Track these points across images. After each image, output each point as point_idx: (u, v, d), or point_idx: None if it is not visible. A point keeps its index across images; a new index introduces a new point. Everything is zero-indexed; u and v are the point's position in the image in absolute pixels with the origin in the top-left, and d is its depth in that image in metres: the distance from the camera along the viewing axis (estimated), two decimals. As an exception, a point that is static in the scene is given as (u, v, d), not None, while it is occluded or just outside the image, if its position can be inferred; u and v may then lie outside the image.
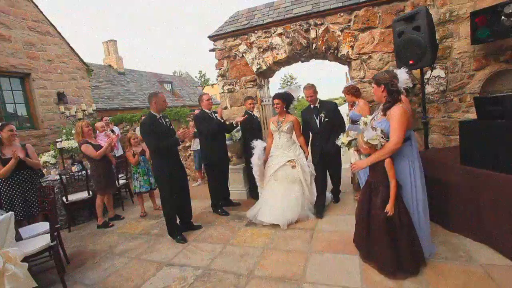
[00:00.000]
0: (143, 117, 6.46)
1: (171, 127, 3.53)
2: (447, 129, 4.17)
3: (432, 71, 4.06)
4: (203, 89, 26.38)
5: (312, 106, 3.84)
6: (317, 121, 3.73)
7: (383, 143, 2.24)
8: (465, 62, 4.01)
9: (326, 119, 3.66)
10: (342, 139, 2.64)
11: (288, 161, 3.76)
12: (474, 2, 3.88)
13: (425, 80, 3.87)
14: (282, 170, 3.74)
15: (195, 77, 34.47)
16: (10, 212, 2.17)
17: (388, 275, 2.25)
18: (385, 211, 2.21)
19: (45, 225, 3.24)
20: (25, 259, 2.15)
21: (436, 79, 4.15)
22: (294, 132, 3.91)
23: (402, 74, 2.55)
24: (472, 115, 3.88)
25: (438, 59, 4.00)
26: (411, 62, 3.50)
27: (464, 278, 2.16)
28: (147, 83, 20.34)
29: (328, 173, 4.04)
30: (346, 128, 4.56)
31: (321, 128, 3.73)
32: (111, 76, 17.97)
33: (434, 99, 4.23)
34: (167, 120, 3.51)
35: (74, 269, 3.12)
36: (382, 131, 2.24)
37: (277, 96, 3.84)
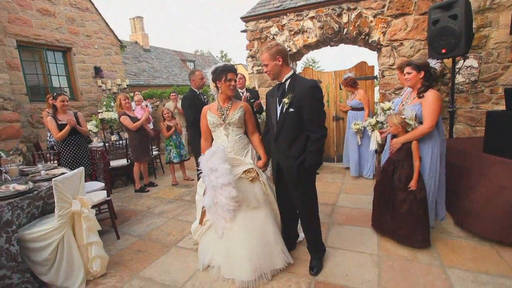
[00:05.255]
0: (172, 94, 6.86)
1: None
2: (474, 120, 4.21)
3: (464, 61, 4.05)
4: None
5: (278, 83, 2.29)
6: (278, 109, 2.24)
7: (416, 125, 2.47)
8: (501, 53, 3.96)
9: (291, 109, 2.13)
10: (370, 120, 2.83)
11: (244, 171, 2.33)
12: (519, -11, 3.78)
13: (456, 70, 3.89)
14: (240, 188, 2.29)
15: (217, 56, 34.45)
16: (81, 167, 2.59)
17: (405, 245, 2.52)
18: (408, 186, 2.49)
19: (95, 184, 3.72)
20: (90, 208, 2.58)
21: (468, 69, 4.14)
22: (246, 126, 2.54)
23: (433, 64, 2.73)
24: (502, 107, 3.89)
25: (473, 49, 3.97)
26: (443, 50, 3.53)
27: (474, 253, 2.39)
28: (171, 61, 20.71)
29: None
30: (349, 119, 4.71)
31: (279, 123, 2.22)
32: (137, 53, 18.44)
33: (463, 89, 4.24)
34: (205, 97, 3.84)
35: (121, 223, 3.60)
36: (415, 114, 2.48)
37: (233, 69, 2.42)
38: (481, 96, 4.14)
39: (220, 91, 2.43)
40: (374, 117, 2.85)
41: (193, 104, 3.55)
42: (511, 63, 3.91)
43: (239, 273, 2.19)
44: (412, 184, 2.48)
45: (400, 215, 2.53)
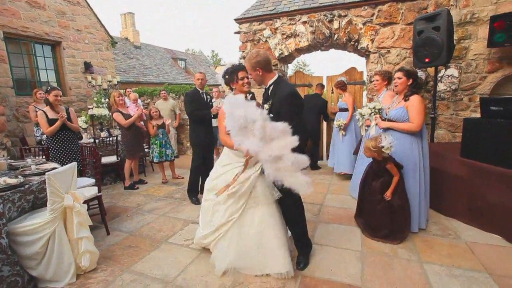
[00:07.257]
0: (162, 92, 6.86)
1: (210, 103, 4.09)
2: (454, 126, 4.45)
3: (446, 70, 4.29)
4: (215, 68, 26.48)
5: (265, 88, 2.43)
6: None
7: (389, 153, 2.61)
8: (479, 64, 4.22)
9: (270, 115, 2.16)
10: (361, 111, 3.07)
11: None
12: (496, 5, 4.04)
13: (438, 78, 4.12)
14: (261, 184, 2.33)
15: (208, 56, 34.33)
16: (74, 162, 2.59)
17: (382, 241, 2.72)
18: (384, 196, 2.68)
19: (86, 180, 3.70)
20: (81, 203, 2.59)
21: (449, 78, 4.38)
22: None
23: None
24: (479, 115, 4.14)
25: (454, 59, 4.21)
26: (427, 60, 3.74)
27: (449, 250, 2.56)
28: (162, 59, 20.52)
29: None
30: (335, 119, 4.95)
31: None
32: (127, 50, 18.19)
33: (445, 97, 4.48)
34: (208, 96, 4.09)
35: (111, 219, 3.59)
36: (391, 143, 2.55)
37: (241, 67, 2.44)
38: (461, 104, 4.39)
39: (233, 92, 2.51)
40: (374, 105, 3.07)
41: (192, 100, 3.89)
42: (488, 74, 4.17)
43: (274, 266, 2.26)
44: (388, 195, 2.66)
45: (376, 216, 2.74)
